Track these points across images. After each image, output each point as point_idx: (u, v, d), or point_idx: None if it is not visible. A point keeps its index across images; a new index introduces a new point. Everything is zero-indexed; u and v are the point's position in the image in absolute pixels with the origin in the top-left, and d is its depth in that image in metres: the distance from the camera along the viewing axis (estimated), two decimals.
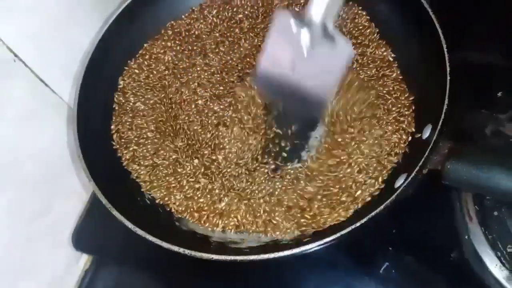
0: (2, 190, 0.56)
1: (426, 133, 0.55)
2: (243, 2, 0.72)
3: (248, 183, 0.60)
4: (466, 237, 0.57)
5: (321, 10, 0.48)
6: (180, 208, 0.60)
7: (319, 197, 0.58)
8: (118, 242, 0.64)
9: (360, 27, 0.67)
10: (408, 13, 0.62)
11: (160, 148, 0.63)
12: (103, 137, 0.65)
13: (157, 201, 0.61)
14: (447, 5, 0.64)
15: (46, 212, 0.63)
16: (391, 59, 0.64)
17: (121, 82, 0.69)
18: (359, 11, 0.68)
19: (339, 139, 0.61)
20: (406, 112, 0.60)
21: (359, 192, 0.57)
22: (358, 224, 0.48)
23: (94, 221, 0.67)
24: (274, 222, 0.57)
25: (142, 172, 0.63)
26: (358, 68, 0.64)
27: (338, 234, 0.48)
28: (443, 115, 0.51)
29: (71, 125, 0.62)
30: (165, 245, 0.50)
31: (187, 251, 0.50)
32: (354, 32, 0.67)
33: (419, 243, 0.60)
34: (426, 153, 0.49)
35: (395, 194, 0.49)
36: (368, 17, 0.67)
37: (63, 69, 0.65)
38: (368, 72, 0.64)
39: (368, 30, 0.67)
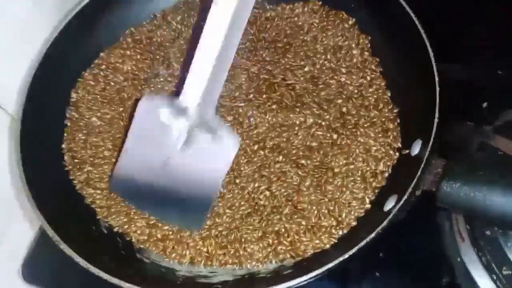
0: None
1: (415, 149, 0.50)
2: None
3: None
4: (458, 259, 0.54)
5: (198, 96, 0.43)
6: (142, 237, 0.54)
7: (296, 220, 0.52)
8: (73, 275, 0.57)
9: None
10: (392, 23, 0.58)
11: None
12: (52, 157, 0.57)
13: (115, 230, 0.55)
14: (433, 14, 0.62)
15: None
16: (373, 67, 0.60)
17: (74, 95, 0.62)
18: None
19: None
20: (391, 126, 0.55)
21: (343, 215, 0.51)
22: (346, 255, 0.43)
23: (46, 251, 0.61)
24: (248, 251, 0.51)
25: (98, 197, 0.56)
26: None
27: (324, 268, 0.43)
28: (434, 129, 0.47)
29: (12, 141, 0.55)
30: (123, 284, 0.44)
31: None
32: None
33: (408, 267, 0.56)
34: (419, 172, 0.45)
35: (388, 219, 0.44)
36: None
37: (9, 81, 0.60)
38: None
39: None
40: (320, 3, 0.65)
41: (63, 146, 0.59)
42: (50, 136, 0.58)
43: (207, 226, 0.53)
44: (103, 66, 0.63)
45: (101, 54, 0.64)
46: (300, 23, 0.64)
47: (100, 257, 0.48)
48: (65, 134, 0.59)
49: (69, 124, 0.60)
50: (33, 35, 0.61)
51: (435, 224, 0.57)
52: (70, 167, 0.57)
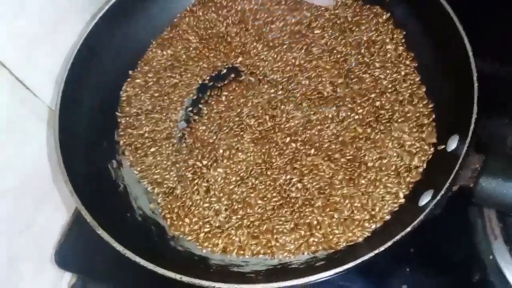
0: None
1: (452, 145, 0.50)
2: None
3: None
4: (491, 257, 0.53)
5: None
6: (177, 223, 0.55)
7: (329, 213, 0.52)
8: (105, 260, 0.59)
9: None
10: (428, 17, 0.57)
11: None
12: (88, 145, 0.58)
13: (149, 215, 0.56)
14: (471, 8, 0.60)
15: (28, 229, 0.59)
16: (407, 62, 0.59)
17: (124, 95, 0.64)
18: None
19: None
20: (426, 121, 0.55)
21: (376, 209, 0.51)
22: (382, 248, 0.42)
23: (79, 237, 0.62)
24: (280, 241, 0.52)
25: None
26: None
27: (356, 262, 0.43)
28: (472, 124, 0.46)
29: (51, 131, 0.56)
30: (160, 270, 0.44)
31: (184, 278, 0.44)
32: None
33: (439, 264, 0.55)
34: (457, 168, 0.44)
35: (424, 214, 0.43)
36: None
37: (47, 73, 0.60)
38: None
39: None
40: None
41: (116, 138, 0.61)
42: (86, 125, 0.59)
43: (239, 216, 0.54)
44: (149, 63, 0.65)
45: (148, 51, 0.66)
46: (333, 16, 0.64)
47: (135, 244, 0.48)
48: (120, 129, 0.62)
49: (122, 121, 0.62)
50: (69, 27, 0.62)
51: (467, 221, 0.56)
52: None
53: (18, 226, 0.58)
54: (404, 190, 0.52)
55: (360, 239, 0.50)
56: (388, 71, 0.59)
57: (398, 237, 0.43)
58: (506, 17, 0.66)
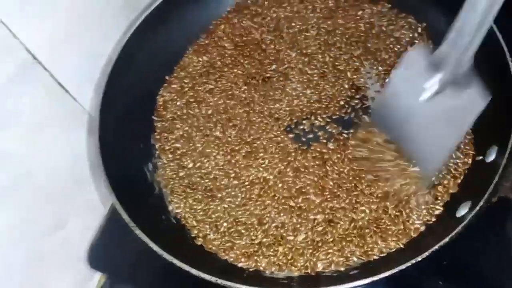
0: (15, 204, 0.53)
1: (490, 156, 0.49)
2: None
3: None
4: None
5: (462, 47, 0.42)
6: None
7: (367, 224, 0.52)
8: (135, 261, 0.60)
9: None
10: None
11: None
12: (125, 148, 0.59)
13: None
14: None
15: (60, 228, 0.60)
16: None
17: (161, 99, 0.65)
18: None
19: None
20: None
21: (412, 219, 0.51)
22: (418, 259, 0.42)
23: (111, 238, 0.63)
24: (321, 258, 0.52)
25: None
26: None
27: (390, 272, 0.43)
28: None
29: (91, 134, 0.58)
30: (196, 272, 0.45)
31: (219, 281, 0.45)
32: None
33: (473, 278, 0.54)
34: (496, 179, 0.43)
35: (461, 225, 0.43)
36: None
37: (85, 75, 0.62)
38: None
39: None
40: (389, 5, 0.65)
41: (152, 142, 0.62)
42: (124, 128, 0.60)
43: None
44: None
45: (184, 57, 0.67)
46: (368, 25, 0.64)
47: (169, 245, 0.49)
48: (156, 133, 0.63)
49: (158, 125, 0.63)
50: (104, 31, 0.63)
51: (504, 233, 0.54)
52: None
53: (51, 225, 0.59)
54: (440, 203, 0.51)
55: (394, 250, 0.50)
56: None
57: (435, 247, 0.42)
58: None
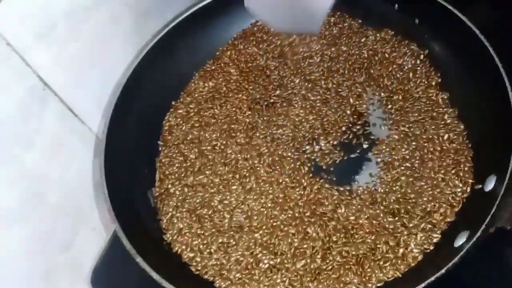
0: (25, 221, 0.54)
1: (489, 185, 0.49)
2: None
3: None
4: None
5: None
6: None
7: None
8: (139, 284, 0.59)
9: None
10: (466, 54, 0.58)
11: None
12: (130, 172, 0.61)
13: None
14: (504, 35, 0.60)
15: (67, 247, 0.61)
16: (444, 97, 0.59)
17: (167, 124, 0.66)
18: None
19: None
20: (463, 160, 0.54)
21: (410, 247, 0.50)
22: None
23: (115, 260, 0.63)
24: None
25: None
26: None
27: None
28: (511, 165, 0.45)
29: (96, 157, 0.59)
30: None
31: None
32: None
33: None
34: (494, 209, 0.43)
35: (459, 255, 0.43)
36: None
37: (95, 100, 0.64)
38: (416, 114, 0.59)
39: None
40: (392, 32, 0.66)
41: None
42: (129, 153, 0.62)
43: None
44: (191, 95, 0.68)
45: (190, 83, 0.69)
46: (371, 51, 0.65)
47: (169, 271, 0.50)
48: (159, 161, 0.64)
49: (163, 150, 0.64)
50: (114, 56, 0.65)
51: (505, 262, 0.53)
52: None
53: (58, 245, 0.60)
54: (437, 231, 0.51)
55: (391, 279, 0.50)
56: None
57: (432, 278, 0.42)
58: None
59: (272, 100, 0.65)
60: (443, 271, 0.43)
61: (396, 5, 0.64)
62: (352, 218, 0.54)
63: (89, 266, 0.64)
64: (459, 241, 0.47)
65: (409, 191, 0.54)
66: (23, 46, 0.51)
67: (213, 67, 0.70)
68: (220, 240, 0.56)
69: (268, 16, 0.56)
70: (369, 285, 0.50)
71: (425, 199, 0.53)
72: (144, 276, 0.49)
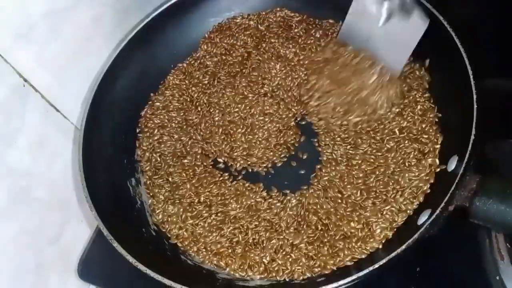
0: (13, 217, 0.56)
1: (451, 165, 0.51)
2: None
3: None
4: (497, 277, 0.53)
5: None
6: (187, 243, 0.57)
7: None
8: (125, 273, 0.58)
9: None
10: (430, 38, 0.58)
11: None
12: (109, 164, 0.62)
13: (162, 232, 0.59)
14: (473, 29, 0.61)
15: (55, 240, 0.63)
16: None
17: (145, 116, 0.68)
18: None
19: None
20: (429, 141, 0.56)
21: (378, 227, 0.52)
22: (376, 265, 0.44)
23: (101, 251, 0.65)
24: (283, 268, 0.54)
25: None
26: None
27: (354, 276, 0.44)
28: (470, 146, 0.47)
29: (76, 147, 0.60)
30: (167, 282, 0.47)
31: None
32: None
33: (445, 284, 0.55)
34: (452, 188, 0.45)
35: (418, 233, 0.45)
36: None
37: (76, 95, 0.65)
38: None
39: None
40: None
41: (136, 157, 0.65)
42: (108, 145, 0.63)
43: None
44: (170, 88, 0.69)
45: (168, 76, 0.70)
46: None
47: (149, 257, 0.52)
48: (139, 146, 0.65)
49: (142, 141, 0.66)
50: (96, 52, 0.66)
51: (474, 241, 0.56)
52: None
53: (46, 238, 0.61)
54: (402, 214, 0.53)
55: (362, 256, 0.52)
56: None
57: (392, 254, 0.44)
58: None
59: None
60: (403, 247, 0.44)
61: None
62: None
63: (77, 258, 0.65)
64: (422, 219, 0.49)
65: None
66: (4, 46, 0.52)
67: (190, 60, 0.71)
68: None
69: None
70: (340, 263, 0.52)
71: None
72: (130, 265, 0.50)
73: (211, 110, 0.66)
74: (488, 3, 0.67)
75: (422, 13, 0.56)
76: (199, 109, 0.67)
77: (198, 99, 0.68)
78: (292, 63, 0.67)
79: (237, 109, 0.65)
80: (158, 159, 0.64)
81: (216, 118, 0.65)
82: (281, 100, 0.65)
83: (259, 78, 0.67)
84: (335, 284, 0.45)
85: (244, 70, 0.68)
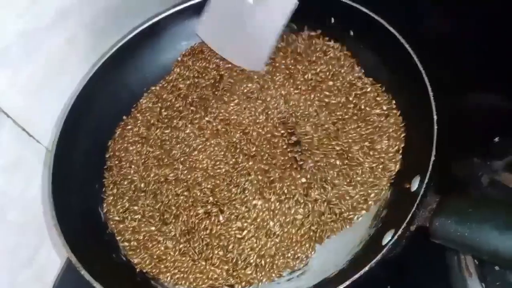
0: None
1: (414, 185, 0.52)
2: None
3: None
4: None
5: None
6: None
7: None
8: None
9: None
10: (391, 58, 0.60)
11: None
12: (81, 188, 0.62)
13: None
14: (434, 47, 0.63)
15: (30, 263, 0.62)
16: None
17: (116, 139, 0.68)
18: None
19: None
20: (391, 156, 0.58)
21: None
22: (341, 286, 0.44)
23: (75, 274, 0.61)
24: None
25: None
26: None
27: None
28: (430, 167, 0.48)
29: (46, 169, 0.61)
30: None
31: None
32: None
33: None
34: (414, 208, 0.46)
35: (381, 253, 0.45)
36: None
37: (49, 119, 0.65)
38: None
39: None
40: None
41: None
42: (80, 169, 0.63)
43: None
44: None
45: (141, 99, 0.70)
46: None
47: (119, 283, 0.52)
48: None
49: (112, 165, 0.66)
50: (70, 75, 0.66)
51: (443, 258, 0.56)
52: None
53: (20, 260, 0.61)
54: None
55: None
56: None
57: (356, 276, 0.44)
58: (470, 49, 0.67)
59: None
60: (366, 268, 0.45)
61: (332, 19, 0.67)
62: None
63: (52, 281, 0.65)
64: (386, 239, 0.50)
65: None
66: None
67: (163, 83, 0.72)
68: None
69: (218, 46, 0.63)
70: None
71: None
72: None
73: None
74: (449, 19, 0.69)
75: None
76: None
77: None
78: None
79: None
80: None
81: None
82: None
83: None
84: None
85: (216, 92, 0.69)
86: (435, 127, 0.51)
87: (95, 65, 0.67)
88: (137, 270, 0.58)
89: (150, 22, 0.69)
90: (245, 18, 0.61)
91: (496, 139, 0.62)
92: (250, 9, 0.60)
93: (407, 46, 0.57)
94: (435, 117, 0.51)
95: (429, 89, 0.53)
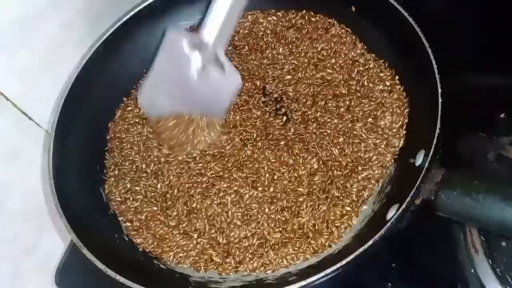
0: None
1: (419, 160, 0.51)
2: None
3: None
4: (472, 270, 0.53)
5: (214, 34, 0.52)
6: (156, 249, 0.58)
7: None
8: (102, 282, 0.56)
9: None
10: (395, 33, 0.59)
11: None
12: (82, 170, 0.62)
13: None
14: (438, 23, 0.62)
15: (32, 249, 0.63)
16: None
17: (116, 120, 0.67)
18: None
19: None
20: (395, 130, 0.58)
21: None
22: (344, 262, 0.44)
23: (78, 259, 0.60)
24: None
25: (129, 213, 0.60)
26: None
27: (322, 273, 0.44)
28: (435, 140, 0.48)
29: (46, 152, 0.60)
30: (137, 287, 0.47)
31: None
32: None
33: (421, 278, 0.55)
34: (418, 182, 0.45)
35: (385, 227, 0.45)
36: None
37: (48, 103, 0.64)
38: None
39: None
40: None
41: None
42: (80, 150, 0.63)
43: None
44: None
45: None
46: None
47: (122, 264, 0.52)
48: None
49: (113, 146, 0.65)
50: (67, 58, 0.65)
51: (448, 235, 0.56)
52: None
53: (22, 248, 0.61)
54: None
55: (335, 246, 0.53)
56: None
57: (360, 250, 0.44)
58: (476, 25, 0.66)
59: None
60: (370, 242, 0.45)
61: None
62: None
63: (55, 267, 0.64)
64: (390, 214, 0.49)
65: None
66: None
67: None
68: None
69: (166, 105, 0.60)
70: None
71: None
72: (106, 274, 0.50)
73: None
74: None
75: (234, 67, 0.56)
76: None
77: None
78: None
79: None
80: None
81: None
82: None
83: None
84: (306, 282, 0.46)
85: None
86: (440, 100, 0.50)
87: (92, 46, 0.66)
88: (140, 250, 0.57)
89: (147, 3, 0.68)
90: (191, 89, 0.57)
91: (502, 115, 0.61)
92: (195, 83, 0.57)
93: (410, 19, 0.56)
94: (439, 89, 0.50)
95: (433, 62, 0.52)
